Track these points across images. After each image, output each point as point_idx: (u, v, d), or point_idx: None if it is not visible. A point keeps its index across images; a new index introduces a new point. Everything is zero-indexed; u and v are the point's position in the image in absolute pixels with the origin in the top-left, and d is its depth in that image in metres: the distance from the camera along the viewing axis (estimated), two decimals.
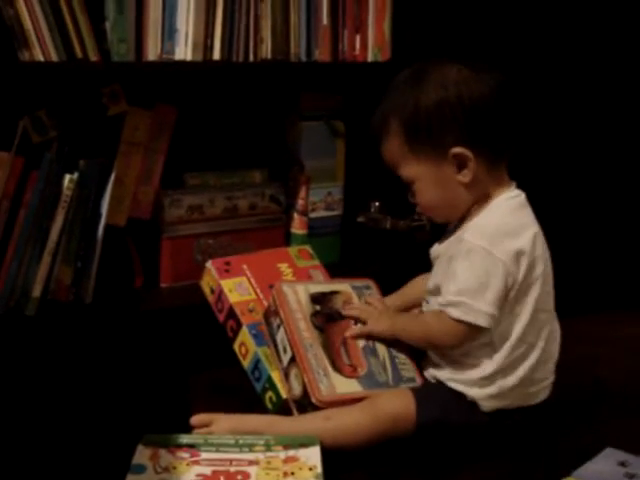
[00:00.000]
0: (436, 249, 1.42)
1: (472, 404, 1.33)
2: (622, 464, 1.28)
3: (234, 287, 1.51)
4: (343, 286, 1.52)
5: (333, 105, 1.92)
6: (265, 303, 1.49)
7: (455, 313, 1.30)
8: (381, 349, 1.42)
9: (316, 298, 1.46)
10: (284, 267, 1.58)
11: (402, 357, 1.42)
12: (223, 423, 1.33)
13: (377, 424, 1.30)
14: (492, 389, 1.32)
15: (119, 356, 1.63)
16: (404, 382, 1.38)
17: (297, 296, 1.44)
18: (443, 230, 1.47)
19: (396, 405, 1.32)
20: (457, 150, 1.31)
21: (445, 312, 1.31)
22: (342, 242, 1.96)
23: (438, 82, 1.32)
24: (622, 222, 2.17)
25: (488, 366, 1.32)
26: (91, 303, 1.64)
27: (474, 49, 1.91)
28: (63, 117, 1.65)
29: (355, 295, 1.50)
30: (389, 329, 1.41)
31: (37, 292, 1.58)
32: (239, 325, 1.46)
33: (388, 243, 2.01)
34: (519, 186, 1.38)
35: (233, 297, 1.49)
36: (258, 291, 1.52)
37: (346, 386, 1.35)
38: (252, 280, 1.53)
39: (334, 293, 1.49)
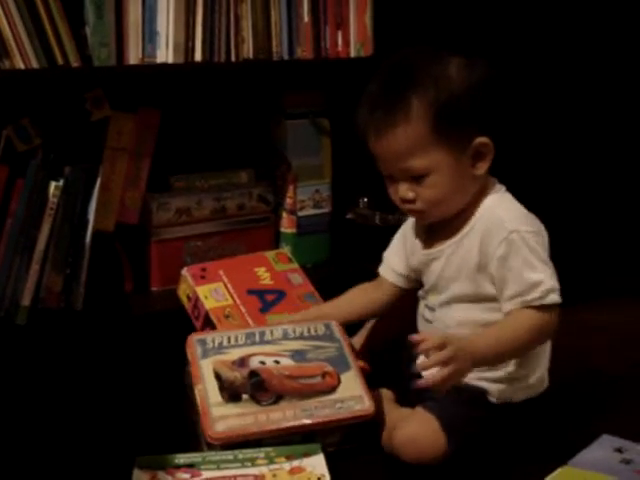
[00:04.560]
0: (434, 251, 1.35)
1: (490, 403, 1.31)
2: (618, 450, 1.28)
3: (210, 293, 1.50)
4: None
5: (317, 102, 1.92)
6: (242, 309, 1.49)
7: (556, 298, 1.25)
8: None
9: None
10: (262, 271, 1.57)
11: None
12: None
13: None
14: (522, 383, 1.32)
15: (111, 361, 1.62)
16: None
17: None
18: None
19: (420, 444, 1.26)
20: (482, 140, 1.27)
21: (545, 302, 1.24)
22: (332, 239, 1.96)
23: (461, 68, 1.27)
24: (616, 210, 2.17)
25: (520, 361, 1.30)
26: (82, 309, 1.63)
27: (458, 41, 1.91)
28: (47, 124, 1.64)
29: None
30: (471, 365, 1.22)
31: (27, 301, 1.57)
32: None
33: (378, 239, 2.00)
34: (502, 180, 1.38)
35: (209, 303, 1.48)
36: (235, 296, 1.51)
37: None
38: (229, 286, 1.52)
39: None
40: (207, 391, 1.29)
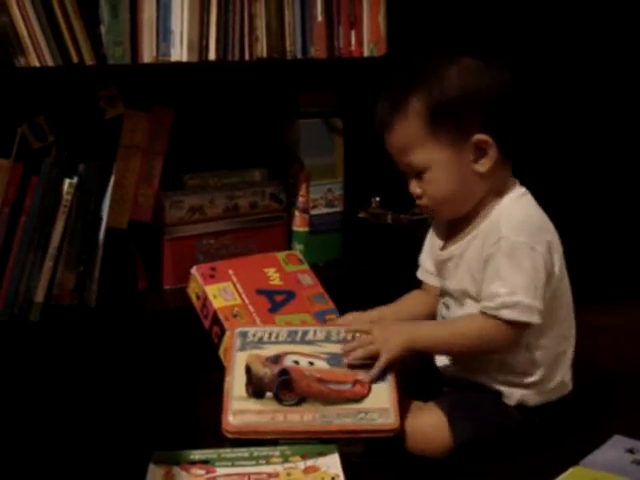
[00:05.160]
0: (447, 252, 1.37)
1: (505, 405, 1.32)
2: (630, 451, 1.28)
3: (218, 292, 1.50)
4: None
5: (330, 102, 1.92)
6: (250, 308, 1.49)
7: (511, 315, 1.25)
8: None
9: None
10: (271, 272, 1.57)
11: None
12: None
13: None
14: (539, 388, 1.32)
15: (124, 359, 1.63)
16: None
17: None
18: None
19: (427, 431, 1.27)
20: (481, 137, 1.29)
21: (497, 315, 1.25)
22: (344, 238, 1.96)
23: (465, 69, 1.30)
24: (619, 212, 2.17)
25: (535, 367, 1.31)
26: (95, 307, 1.64)
27: (470, 41, 1.90)
28: (61, 122, 1.65)
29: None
30: (405, 347, 1.30)
31: (40, 297, 1.58)
32: (223, 331, 1.45)
33: (390, 238, 2.00)
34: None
35: (217, 302, 1.48)
36: (244, 296, 1.51)
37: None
38: (238, 285, 1.52)
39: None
40: (233, 384, 1.30)
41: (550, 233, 1.31)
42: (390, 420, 1.24)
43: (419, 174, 1.32)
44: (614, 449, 1.28)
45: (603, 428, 1.34)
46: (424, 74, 1.31)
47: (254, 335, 1.38)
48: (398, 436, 1.25)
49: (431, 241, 1.45)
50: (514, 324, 1.26)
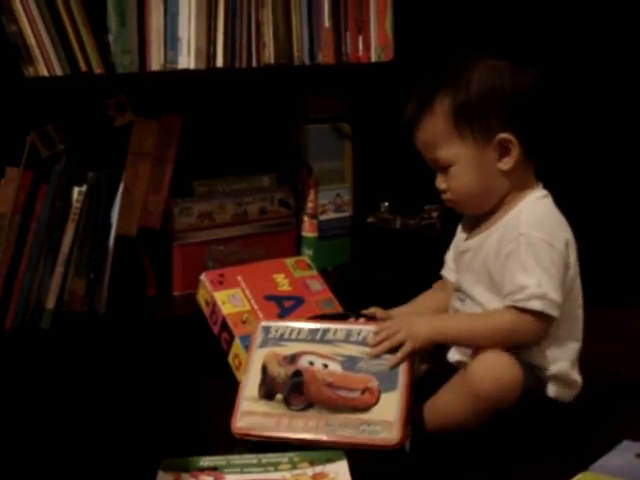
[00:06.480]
0: (466, 244, 1.41)
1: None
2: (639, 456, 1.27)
3: (227, 299, 1.50)
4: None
5: (338, 107, 1.92)
6: (260, 314, 1.49)
7: (541, 306, 1.27)
8: None
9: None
10: (280, 278, 1.57)
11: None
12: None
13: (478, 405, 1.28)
14: (561, 384, 1.34)
15: (133, 365, 1.63)
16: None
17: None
18: (452, 228, 1.48)
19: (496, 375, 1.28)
20: (504, 136, 1.33)
21: (527, 306, 1.27)
22: (353, 243, 1.96)
23: (491, 70, 1.34)
24: (628, 217, 2.16)
25: (558, 365, 1.33)
26: (105, 313, 1.65)
27: (477, 45, 1.90)
28: (70, 130, 1.66)
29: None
30: (431, 337, 1.32)
31: (51, 304, 1.59)
32: (232, 337, 1.45)
33: (399, 243, 2.01)
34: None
35: (226, 309, 1.49)
36: (252, 302, 1.51)
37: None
38: (247, 291, 1.53)
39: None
40: (247, 383, 1.31)
41: (567, 232, 1.35)
42: (392, 435, 1.22)
43: (445, 169, 1.37)
44: (624, 454, 1.28)
45: (612, 433, 1.34)
46: (452, 74, 1.36)
47: (277, 331, 1.38)
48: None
49: (457, 237, 1.48)
50: (542, 316, 1.28)
